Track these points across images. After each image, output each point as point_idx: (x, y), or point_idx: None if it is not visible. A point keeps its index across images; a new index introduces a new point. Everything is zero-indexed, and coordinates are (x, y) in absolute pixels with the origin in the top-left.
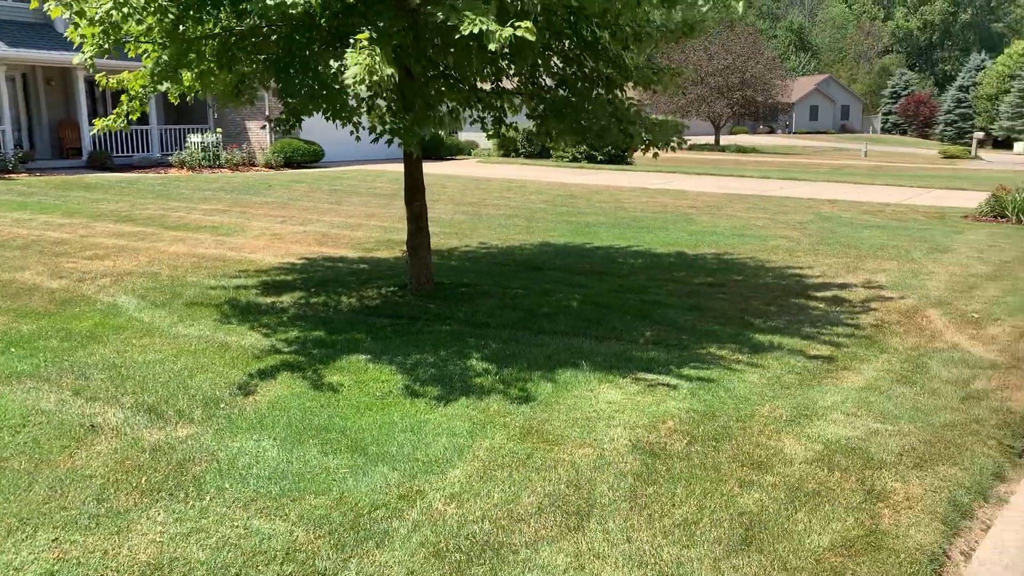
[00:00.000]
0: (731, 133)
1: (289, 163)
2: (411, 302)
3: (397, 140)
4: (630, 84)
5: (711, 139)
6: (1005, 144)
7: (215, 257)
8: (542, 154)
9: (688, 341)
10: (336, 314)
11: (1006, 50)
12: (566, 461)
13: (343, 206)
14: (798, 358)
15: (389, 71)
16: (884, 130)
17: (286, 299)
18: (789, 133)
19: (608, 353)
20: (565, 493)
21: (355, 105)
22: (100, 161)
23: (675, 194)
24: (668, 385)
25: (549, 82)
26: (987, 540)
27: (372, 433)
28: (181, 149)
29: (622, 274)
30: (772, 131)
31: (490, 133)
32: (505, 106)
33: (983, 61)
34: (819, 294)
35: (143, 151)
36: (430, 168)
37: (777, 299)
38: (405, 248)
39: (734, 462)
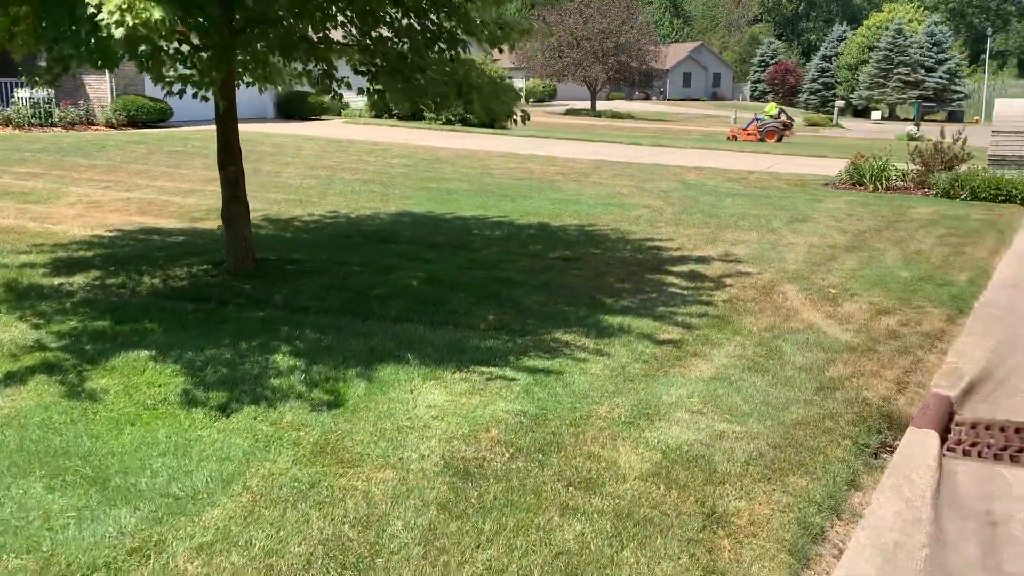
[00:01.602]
0: (608, 99)
1: (133, 122)
2: (225, 283)
3: (272, 95)
4: (476, 43)
5: (588, 104)
6: (864, 113)
7: (10, 228)
8: (415, 116)
9: (533, 325)
10: (132, 298)
11: (865, 22)
12: (358, 490)
13: (181, 170)
14: (647, 343)
15: (158, 15)
16: (753, 98)
17: (78, 280)
18: (664, 99)
19: (441, 342)
20: (347, 537)
21: (121, 51)
22: None
23: (544, 160)
24: (504, 379)
25: (387, 33)
26: (839, 572)
27: (123, 459)
28: (7, 105)
29: (475, 247)
30: (648, 97)
31: (317, 89)
32: (334, 60)
33: (844, 32)
34: (675, 269)
35: None
36: (289, 128)
37: (632, 275)
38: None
39: (559, 480)
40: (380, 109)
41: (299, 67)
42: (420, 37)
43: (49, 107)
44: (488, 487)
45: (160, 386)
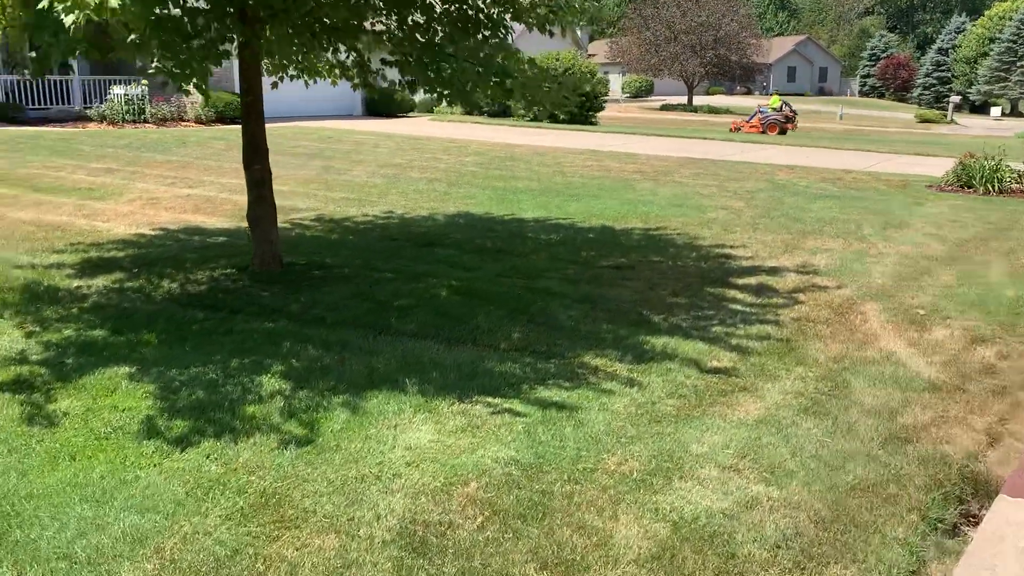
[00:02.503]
0: (707, 94)
1: (222, 118)
2: (244, 288)
3: (361, 93)
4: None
5: (685, 99)
6: (982, 109)
7: (59, 225)
8: (503, 113)
9: (562, 346)
10: (144, 304)
11: (987, 12)
12: (285, 563)
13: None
14: (689, 372)
15: (114, 3)
16: (862, 93)
17: (98, 283)
18: (767, 94)
19: (452, 365)
20: None
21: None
22: (10, 113)
23: (625, 157)
24: (509, 413)
25: (420, 19)
26: None
27: (39, 504)
28: (101, 102)
29: (523, 252)
30: (749, 92)
31: (355, 83)
32: (364, 50)
33: (963, 23)
34: (741, 281)
35: (63, 103)
36: (373, 125)
37: (690, 287)
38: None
39: (533, 560)
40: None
41: (329, 58)
42: (456, 23)
43: (142, 104)
44: (443, 566)
45: (124, 411)
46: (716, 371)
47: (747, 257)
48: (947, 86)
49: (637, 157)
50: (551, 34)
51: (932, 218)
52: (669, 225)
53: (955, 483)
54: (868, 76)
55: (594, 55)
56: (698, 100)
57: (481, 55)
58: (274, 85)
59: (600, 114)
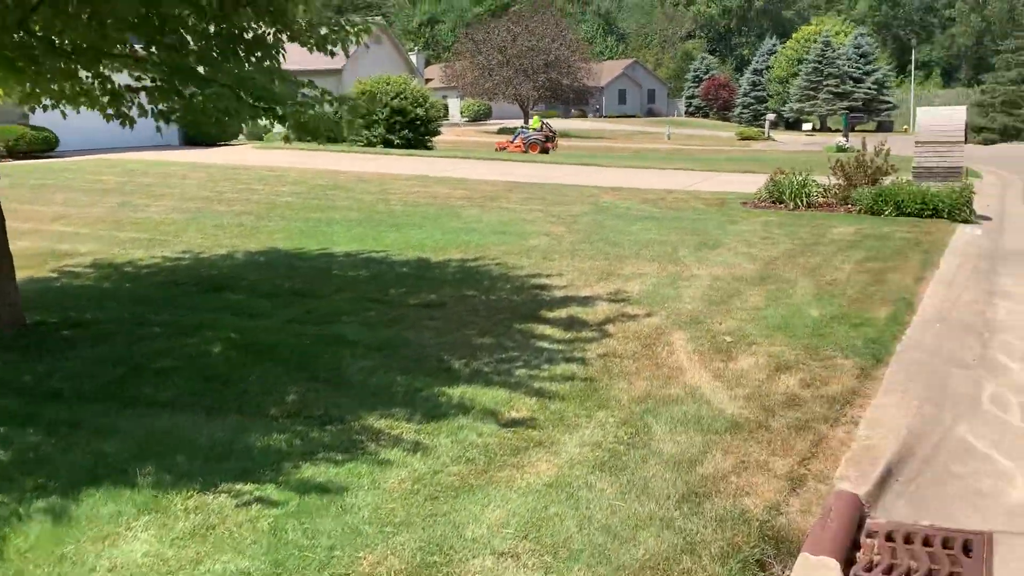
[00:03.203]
0: (544, 117)
1: (13, 153)
2: None
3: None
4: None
5: (521, 123)
6: (796, 125)
7: None
8: (334, 140)
9: (343, 408)
10: None
11: (794, 35)
12: None
13: (39, 206)
14: (484, 428)
15: None
16: (688, 113)
17: None
18: (600, 117)
19: (205, 442)
20: None
21: None
22: None
23: (454, 183)
24: (261, 503)
25: (172, 40)
26: None
27: None
28: None
29: (324, 294)
30: (584, 115)
31: (107, 115)
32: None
33: (775, 46)
34: (552, 314)
35: None
36: (188, 156)
37: (500, 324)
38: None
39: None
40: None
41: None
42: (220, 44)
43: None
44: None
45: None
46: (513, 423)
47: (562, 287)
48: (763, 104)
49: (466, 182)
50: (333, 54)
51: (744, 236)
52: (488, 254)
53: (755, 545)
54: (693, 97)
55: (431, 79)
56: None
57: (246, 79)
58: (32, 110)
59: (437, 138)
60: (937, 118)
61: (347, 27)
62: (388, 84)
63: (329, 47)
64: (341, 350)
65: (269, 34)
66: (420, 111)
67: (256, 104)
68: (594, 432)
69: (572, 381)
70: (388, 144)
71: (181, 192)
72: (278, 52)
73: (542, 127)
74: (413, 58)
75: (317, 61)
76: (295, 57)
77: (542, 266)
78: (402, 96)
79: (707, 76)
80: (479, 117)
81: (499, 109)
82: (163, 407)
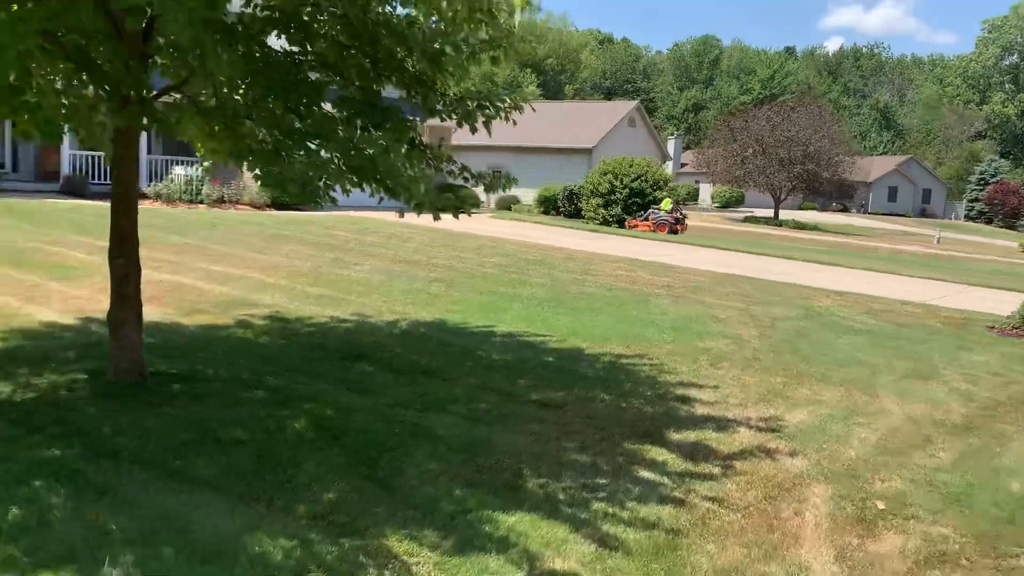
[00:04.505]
0: (800, 208)
1: (279, 204)
2: (76, 399)
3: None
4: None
5: (772, 212)
6: None
7: None
8: (577, 214)
9: (375, 518)
10: None
11: None
12: None
13: (262, 255)
14: None
15: None
16: (969, 217)
17: None
18: (864, 213)
19: (205, 536)
20: None
21: None
22: (75, 187)
23: (661, 269)
24: None
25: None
26: None
27: None
28: (159, 181)
29: (452, 376)
30: (845, 209)
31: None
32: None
33: None
34: (678, 436)
35: None
36: (423, 219)
37: (609, 439)
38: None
39: None
40: (549, 206)
41: None
42: (345, 111)
43: (200, 185)
44: None
45: None
46: None
47: (709, 403)
48: None
49: (674, 269)
50: (474, 129)
51: (972, 369)
52: (651, 353)
53: None
54: (975, 200)
55: (686, 164)
56: (787, 214)
57: (355, 149)
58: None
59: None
60: None
61: (497, 103)
62: (631, 166)
63: (472, 122)
64: (419, 446)
65: (413, 105)
66: (660, 194)
67: (355, 176)
68: None
69: (652, 530)
70: (622, 224)
71: (395, 254)
72: (413, 125)
73: (672, 209)
74: (672, 142)
75: (565, 138)
76: (534, 136)
77: (702, 374)
78: (642, 178)
79: (994, 180)
80: (731, 203)
81: (753, 197)
82: (199, 484)
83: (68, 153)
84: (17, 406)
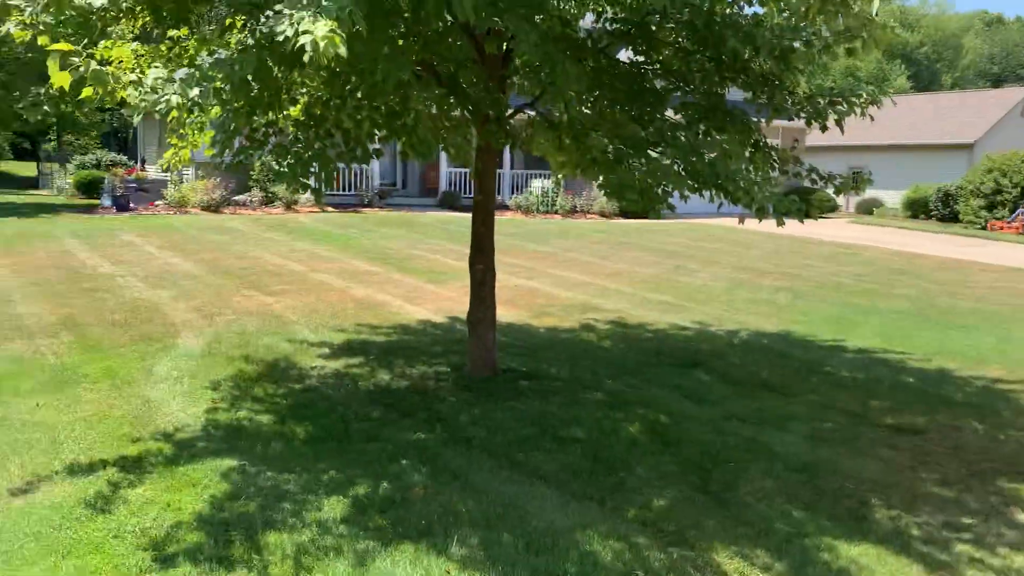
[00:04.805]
0: None
1: (626, 213)
2: (439, 390)
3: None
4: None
5: None
6: None
7: (375, 304)
8: (954, 217)
9: (703, 531)
10: (339, 393)
11: None
12: None
13: (606, 261)
14: None
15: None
16: None
17: (333, 365)
18: None
19: (540, 528)
20: None
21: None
22: (450, 200)
23: None
24: None
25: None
26: None
27: None
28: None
29: (792, 393)
30: None
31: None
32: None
33: None
34: None
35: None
36: (767, 226)
37: (978, 474)
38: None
39: None
40: (918, 210)
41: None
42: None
43: (555, 196)
44: None
45: (172, 510)
46: None
47: None
48: None
49: None
50: (824, 128)
51: None
52: None
53: None
54: None
55: None
56: None
57: (696, 153)
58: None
59: None
60: None
61: (852, 98)
62: (1022, 161)
63: (822, 120)
64: (754, 462)
65: (759, 106)
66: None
67: (695, 181)
68: None
69: None
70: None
71: (737, 261)
72: (756, 127)
73: None
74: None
75: (939, 133)
76: (902, 132)
77: None
78: None
79: None
80: None
81: None
82: (537, 477)
83: (445, 170)
84: (392, 393)
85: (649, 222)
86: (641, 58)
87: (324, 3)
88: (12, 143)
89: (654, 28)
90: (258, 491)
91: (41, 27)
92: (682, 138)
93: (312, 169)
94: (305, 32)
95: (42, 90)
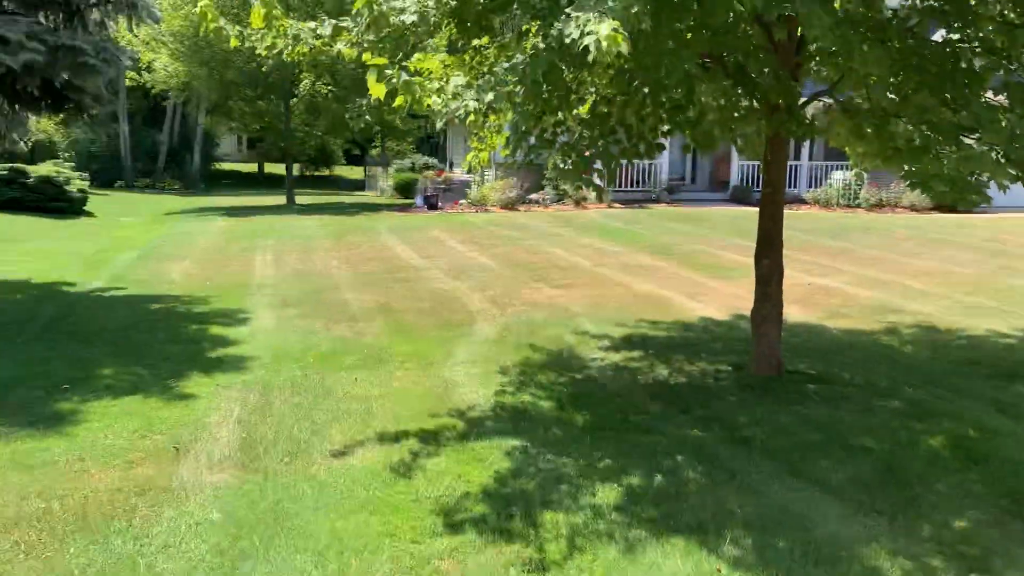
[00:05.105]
0: None
1: (942, 207)
2: (720, 388)
3: None
4: None
5: None
6: None
7: (658, 299)
8: None
9: (1009, 561)
10: (619, 385)
11: None
12: None
13: (915, 259)
14: None
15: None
16: None
17: (612, 358)
18: None
19: (819, 538)
20: None
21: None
22: (741, 195)
23: None
24: None
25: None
26: None
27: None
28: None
29: None
30: None
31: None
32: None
33: None
34: None
35: (791, 186)
36: None
37: None
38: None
39: None
40: None
41: None
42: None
43: (857, 189)
44: None
45: (464, 481)
46: None
47: None
48: None
49: None
50: None
51: None
52: None
53: None
54: None
55: None
56: None
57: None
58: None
59: None
60: None
61: None
62: None
63: None
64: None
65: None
66: None
67: (1017, 169)
68: None
69: None
70: None
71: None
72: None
73: None
74: None
75: None
76: None
77: None
78: None
79: None
80: None
81: None
82: (820, 485)
83: (736, 164)
84: (670, 388)
85: (968, 216)
86: (956, 36)
87: (610, 3)
88: (345, 149)
89: (973, 2)
90: (538, 471)
91: (365, 44)
92: (1003, 122)
93: (595, 166)
94: (589, 33)
95: (364, 101)
